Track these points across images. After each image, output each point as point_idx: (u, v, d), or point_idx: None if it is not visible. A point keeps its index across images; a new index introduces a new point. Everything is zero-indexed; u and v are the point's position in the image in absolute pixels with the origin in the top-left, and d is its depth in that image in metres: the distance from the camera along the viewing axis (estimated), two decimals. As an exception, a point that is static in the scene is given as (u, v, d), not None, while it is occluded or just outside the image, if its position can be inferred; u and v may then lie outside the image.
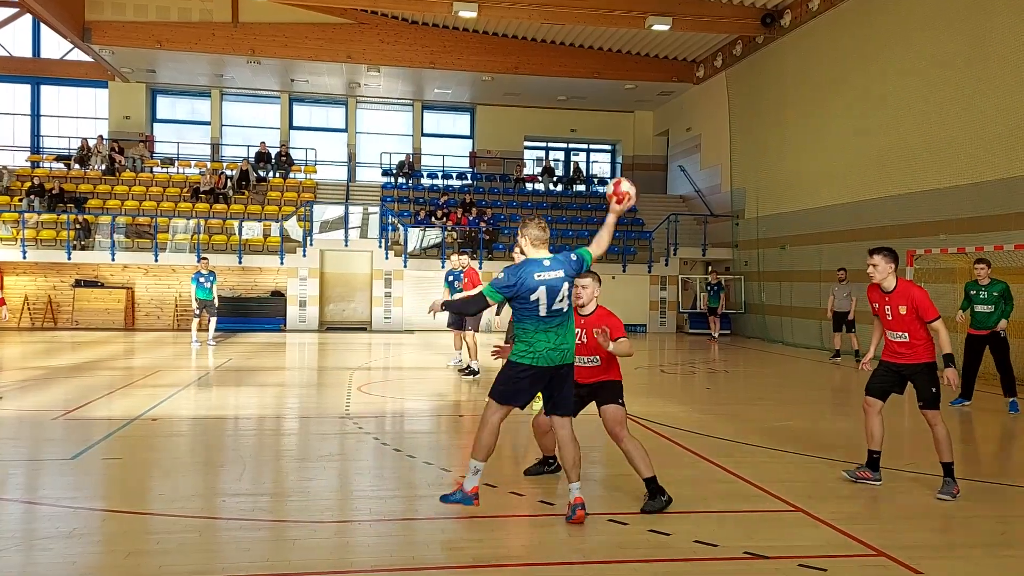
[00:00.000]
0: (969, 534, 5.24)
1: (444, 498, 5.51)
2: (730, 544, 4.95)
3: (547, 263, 5.32)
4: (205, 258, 18.17)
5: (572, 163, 31.62)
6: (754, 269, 22.50)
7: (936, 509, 5.84)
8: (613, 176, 31.74)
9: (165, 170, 26.98)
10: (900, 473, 6.95)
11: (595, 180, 30.82)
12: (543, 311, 5.23)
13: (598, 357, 5.86)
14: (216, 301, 17.82)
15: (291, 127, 29.85)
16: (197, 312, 17.77)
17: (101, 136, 26.90)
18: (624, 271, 24.26)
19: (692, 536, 5.05)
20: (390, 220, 24.56)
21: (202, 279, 17.56)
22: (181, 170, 27.17)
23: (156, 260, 22.33)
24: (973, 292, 10.57)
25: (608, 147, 32.74)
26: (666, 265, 24.76)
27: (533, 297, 5.22)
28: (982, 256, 11.50)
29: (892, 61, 16.96)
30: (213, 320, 18.11)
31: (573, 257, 5.40)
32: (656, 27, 21.45)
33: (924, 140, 15.92)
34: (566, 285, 5.31)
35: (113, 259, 22.21)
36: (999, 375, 10.70)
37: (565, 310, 5.32)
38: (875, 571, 4.47)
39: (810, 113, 20.09)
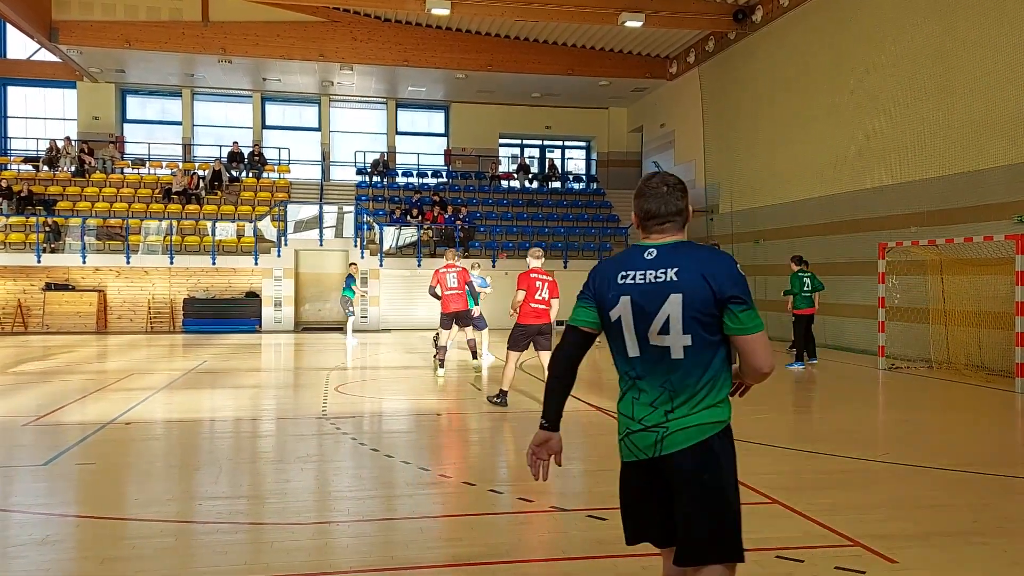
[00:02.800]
0: (943, 523, 5.31)
1: None
2: (708, 537, 4.97)
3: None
4: None
5: (547, 160, 31.68)
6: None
7: (910, 499, 5.92)
8: (588, 172, 31.85)
9: (136, 171, 26.66)
10: (875, 464, 7.03)
11: (570, 177, 30.89)
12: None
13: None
14: None
15: (264, 126, 29.60)
16: None
17: (69, 137, 26.52)
18: (600, 267, 24.28)
19: (671, 530, 5.06)
20: (365, 219, 24.45)
21: None
22: (152, 171, 26.86)
23: (128, 262, 22.07)
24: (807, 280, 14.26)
25: (583, 144, 32.81)
26: (642, 261, 24.82)
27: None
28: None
29: (861, 56, 17.14)
30: None
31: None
32: (629, 23, 21.52)
33: (894, 134, 16.12)
34: None
35: (84, 262, 21.92)
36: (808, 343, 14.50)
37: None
38: (851, 561, 4.52)
39: (782, 108, 20.26)
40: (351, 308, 18.83)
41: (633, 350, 2.87)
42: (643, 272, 2.85)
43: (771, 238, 20.61)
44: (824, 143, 18.47)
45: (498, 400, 9.79)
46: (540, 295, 9.61)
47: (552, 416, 3.07)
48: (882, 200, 16.39)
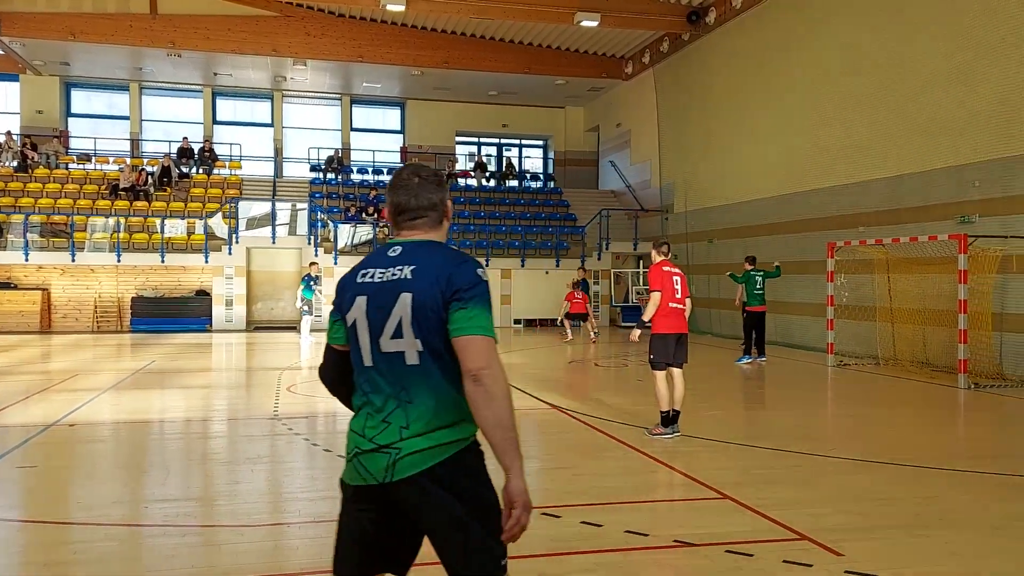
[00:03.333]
0: (888, 516, 5.43)
1: None
2: (660, 533, 5.02)
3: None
4: None
5: (504, 159, 31.68)
6: (683, 263, 22.89)
7: (857, 493, 6.04)
8: (545, 171, 31.94)
9: (82, 167, 25.98)
10: (824, 459, 7.16)
11: (527, 176, 30.94)
12: None
13: None
14: None
15: (215, 122, 29.10)
16: None
17: (10, 132, 25.76)
18: (557, 266, 24.42)
19: (624, 526, 5.11)
20: (319, 216, 24.18)
21: None
22: (99, 167, 26.20)
23: (73, 260, 21.52)
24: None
25: (540, 143, 32.89)
26: (599, 259, 25.02)
27: None
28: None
29: (812, 58, 17.46)
30: None
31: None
32: (585, 23, 21.62)
33: (843, 136, 16.45)
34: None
35: (27, 259, 21.31)
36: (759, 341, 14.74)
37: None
38: (798, 554, 4.60)
39: (735, 109, 20.55)
40: (306, 308, 18.56)
41: (368, 358, 2.52)
42: (383, 270, 2.54)
43: (724, 238, 20.89)
44: (776, 144, 18.77)
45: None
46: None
47: None
48: (831, 200, 16.72)
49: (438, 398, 2.45)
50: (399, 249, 2.58)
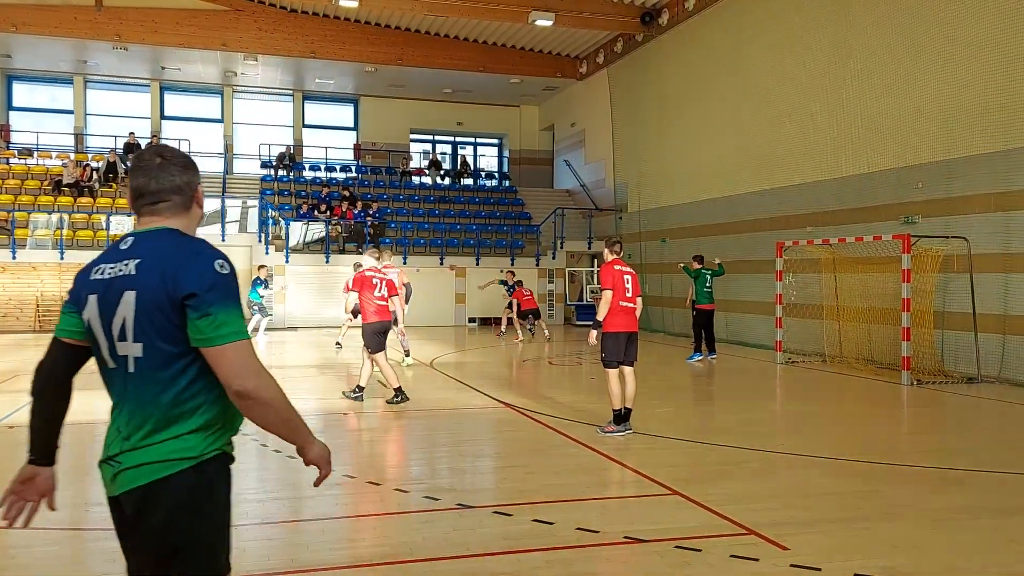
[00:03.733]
0: (830, 509, 5.55)
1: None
2: (611, 529, 5.07)
3: None
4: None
5: (459, 157, 31.62)
6: (637, 262, 23.12)
7: (802, 488, 6.16)
8: (500, 169, 31.95)
9: (23, 161, 25.22)
10: (771, 454, 7.29)
11: (482, 174, 30.92)
12: None
13: None
14: None
15: (163, 117, 28.52)
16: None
17: (-51, 124, 24.94)
18: (512, 264, 24.43)
19: (575, 523, 5.14)
20: (270, 214, 23.85)
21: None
22: (41, 161, 25.47)
23: (14, 258, 20.91)
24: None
25: (495, 141, 32.89)
26: (553, 258, 25.12)
27: None
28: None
29: (762, 60, 17.75)
30: None
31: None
32: (539, 22, 21.68)
33: (792, 137, 16.76)
34: None
35: (-35, 256, 20.64)
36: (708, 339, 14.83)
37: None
38: (746, 549, 4.67)
39: (688, 110, 20.79)
40: (256, 308, 18.27)
41: (110, 360, 2.31)
42: (112, 264, 2.30)
43: (677, 237, 21.13)
44: (727, 145, 19.04)
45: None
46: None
47: (40, 447, 2.56)
48: (781, 201, 17.03)
49: (160, 409, 2.23)
50: (131, 240, 2.33)
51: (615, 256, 8.29)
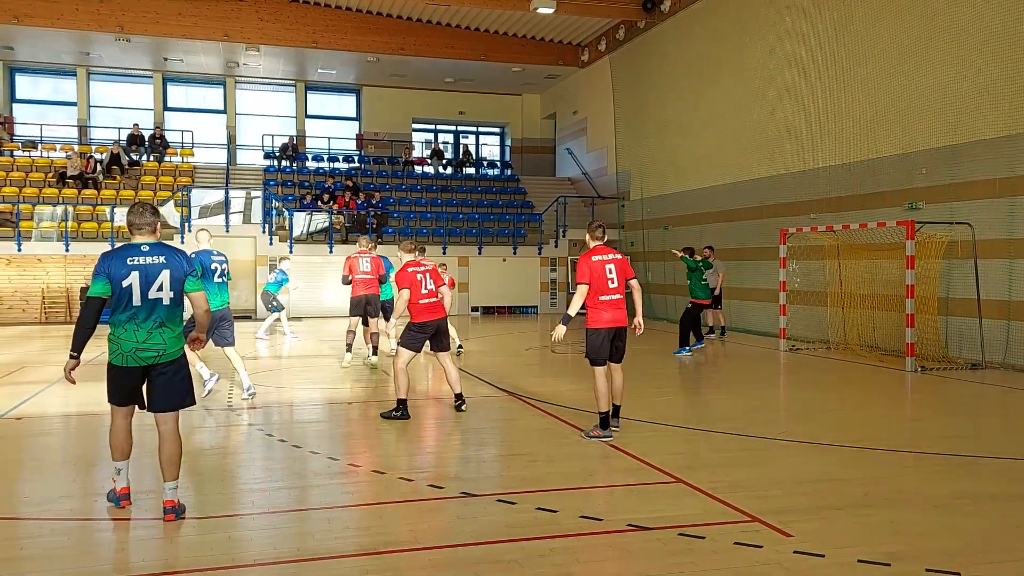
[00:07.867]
0: (835, 497, 5.56)
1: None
2: (614, 517, 5.09)
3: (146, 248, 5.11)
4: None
5: (461, 146, 31.56)
6: (640, 249, 23.10)
7: (806, 475, 6.18)
8: (502, 158, 31.89)
9: (27, 154, 25.23)
10: (775, 441, 7.30)
11: (485, 163, 30.87)
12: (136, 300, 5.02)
13: None
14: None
15: (165, 108, 28.48)
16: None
17: (-48, 117, 24.94)
18: (515, 253, 24.45)
19: (579, 512, 5.16)
20: (274, 204, 23.86)
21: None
22: (45, 154, 25.48)
23: (19, 250, 20.96)
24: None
25: (497, 130, 32.81)
26: (556, 247, 25.10)
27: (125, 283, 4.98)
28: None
29: (765, 47, 17.67)
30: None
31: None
32: (541, 10, 21.58)
33: (796, 123, 16.69)
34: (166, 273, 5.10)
35: (-30, 249, 20.69)
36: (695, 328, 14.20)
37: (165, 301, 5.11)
38: (749, 536, 4.69)
39: (690, 97, 20.72)
40: (275, 303, 18.08)
41: (139, 301, 5.07)
42: (143, 257, 5.08)
43: (679, 224, 21.10)
44: (729, 132, 18.98)
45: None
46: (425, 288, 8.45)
47: (80, 350, 5.16)
48: (783, 188, 16.99)
49: (173, 320, 5.17)
50: (147, 247, 5.12)
51: (598, 242, 7.55)
